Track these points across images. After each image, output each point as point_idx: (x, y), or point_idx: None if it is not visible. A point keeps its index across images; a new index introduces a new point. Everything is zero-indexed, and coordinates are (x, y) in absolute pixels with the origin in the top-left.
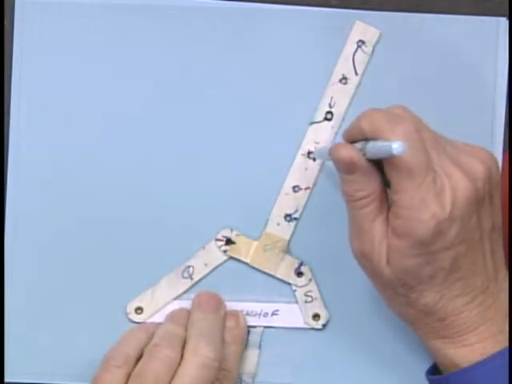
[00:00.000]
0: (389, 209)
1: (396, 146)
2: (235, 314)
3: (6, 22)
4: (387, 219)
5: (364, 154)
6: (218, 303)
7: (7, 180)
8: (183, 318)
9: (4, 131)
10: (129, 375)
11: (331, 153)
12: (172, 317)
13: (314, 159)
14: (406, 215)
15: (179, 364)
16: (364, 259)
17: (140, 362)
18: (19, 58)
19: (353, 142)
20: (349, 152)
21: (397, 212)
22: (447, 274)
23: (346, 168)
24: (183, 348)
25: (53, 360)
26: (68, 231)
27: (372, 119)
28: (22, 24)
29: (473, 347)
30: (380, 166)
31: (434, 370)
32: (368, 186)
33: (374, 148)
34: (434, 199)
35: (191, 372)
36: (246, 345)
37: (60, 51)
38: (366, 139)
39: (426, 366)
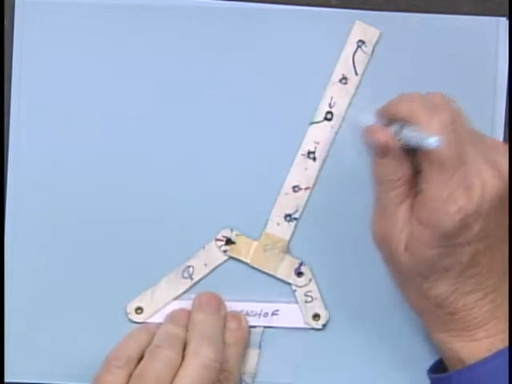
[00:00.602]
0: (416, 195)
1: (433, 141)
2: (237, 316)
3: (5, 22)
4: (412, 206)
5: (398, 140)
6: (219, 304)
7: (7, 180)
8: (184, 319)
9: (4, 131)
10: (130, 376)
11: (366, 134)
12: (172, 317)
13: (314, 159)
14: (433, 206)
15: (180, 365)
16: (383, 243)
17: (141, 363)
18: (19, 58)
19: (386, 119)
20: (385, 136)
21: (424, 201)
22: (464, 269)
23: (380, 151)
24: (184, 349)
25: (53, 360)
26: (68, 231)
27: (411, 105)
28: (22, 24)
29: (481, 342)
30: (413, 151)
31: (435, 369)
32: (398, 170)
33: (410, 137)
34: (463, 193)
35: (192, 373)
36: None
37: (60, 51)
38: (401, 122)
39: (426, 365)
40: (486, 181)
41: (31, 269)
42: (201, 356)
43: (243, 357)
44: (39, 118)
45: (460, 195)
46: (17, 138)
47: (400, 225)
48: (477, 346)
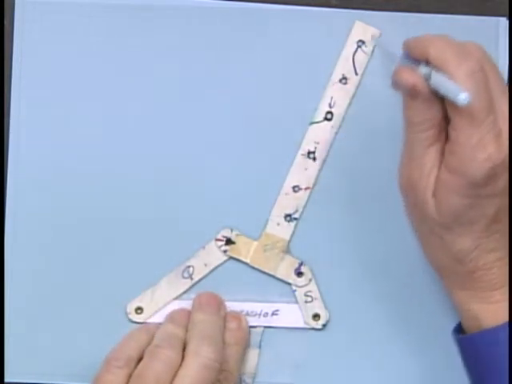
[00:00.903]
0: (446, 140)
1: (462, 98)
2: (237, 316)
3: (5, 22)
4: (442, 151)
5: (428, 84)
6: (219, 304)
7: (7, 180)
8: (183, 319)
9: (4, 131)
10: (130, 376)
11: (395, 75)
12: (172, 317)
13: (314, 159)
14: (462, 153)
15: (180, 365)
16: (410, 188)
17: (141, 363)
18: (19, 58)
19: (413, 56)
20: (413, 78)
21: (453, 148)
22: (488, 223)
23: (408, 93)
24: (184, 349)
25: (53, 360)
26: (68, 231)
27: (441, 48)
28: (22, 24)
29: (497, 305)
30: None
31: (459, 330)
32: (428, 113)
33: (439, 85)
34: (493, 141)
35: (192, 373)
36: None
37: (60, 51)
38: (430, 65)
39: (425, 366)
40: None
41: (31, 269)
42: (201, 356)
43: (243, 357)
44: (39, 118)
45: (489, 142)
46: (17, 137)
47: (428, 169)
48: (494, 309)
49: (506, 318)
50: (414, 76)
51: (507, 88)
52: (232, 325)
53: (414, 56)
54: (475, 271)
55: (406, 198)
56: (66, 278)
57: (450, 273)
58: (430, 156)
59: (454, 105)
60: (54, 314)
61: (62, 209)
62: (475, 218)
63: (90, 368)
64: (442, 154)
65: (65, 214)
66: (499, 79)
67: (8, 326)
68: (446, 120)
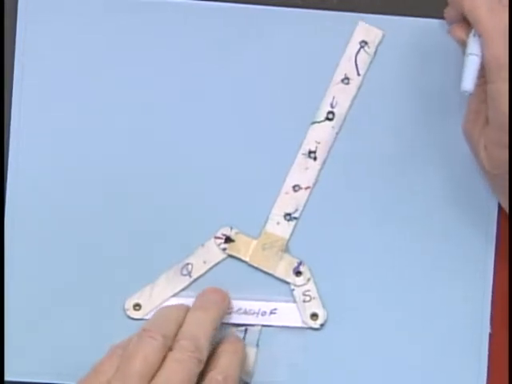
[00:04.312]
0: None
1: (463, 88)
2: (234, 341)
3: (6, 23)
4: None
5: None
6: (216, 302)
7: (7, 180)
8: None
9: (4, 131)
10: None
11: (450, 31)
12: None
13: (315, 159)
14: (496, 105)
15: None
16: (467, 139)
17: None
18: (21, 58)
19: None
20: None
21: (489, 101)
22: None
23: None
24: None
25: (52, 359)
26: (67, 229)
27: (473, 1)
28: (25, 24)
29: None
30: None
31: None
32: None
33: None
34: None
35: (167, 370)
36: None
37: (62, 52)
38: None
39: (423, 367)
40: None
41: (31, 268)
42: (177, 351)
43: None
44: (40, 119)
45: None
46: (17, 138)
47: (481, 123)
48: None
49: None
50: (463, 32)
51: None
52: (229, 348)
53: (455, 12)
54: None
55: (468, 145)
56: (64, 275)
57: None
58: (483, 111)
59: (485, 60)
60: (54, 311)
61: (60, 207)
62: None
63: (89, 366)
64: None
65: (64, 212)
66: None
67: (8, 326)
68: None
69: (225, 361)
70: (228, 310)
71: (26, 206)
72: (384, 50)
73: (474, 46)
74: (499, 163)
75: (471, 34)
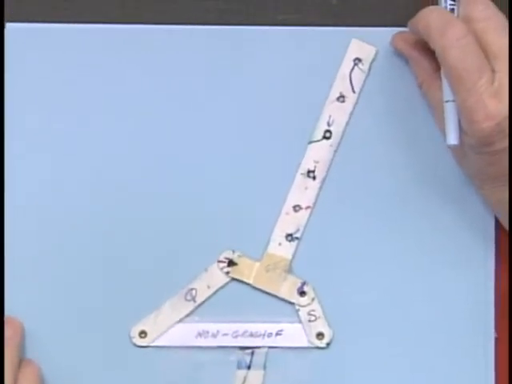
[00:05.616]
0: None
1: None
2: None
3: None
4: None
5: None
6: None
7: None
8: None
9: (4, 132)
10: None
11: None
12: None
13: (314, 178)
14: (464, 115)
15: None
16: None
17: None
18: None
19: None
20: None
21: (459, 111)
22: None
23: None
24: None
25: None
26: (69, 255)
27: (426, 21)
28: (13, 51)
29: None
30: None
31: None
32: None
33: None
34: (491, 99)
35: None
36: (249, 366)
37: (56, 67)
38: None
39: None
40: None
41: (31, 300)
42: None
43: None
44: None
45: (487, 101)
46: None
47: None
48: None
49: None
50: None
51: (506, 40)
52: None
53: (413, 32)
54: None
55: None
56: (68, 303)
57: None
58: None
59: (445, 75)
60: (58, 342)
61: (62, 232)
62: (497, 174)
63: None
64: None
65: (65, 236)
66: (497, 34)
67: None
68: None
69: None
70: (234, 334)
71: (25, 239)
72: (378, 65)
73: (447, 91)
74: (473, 167)
75: (443, 80)
